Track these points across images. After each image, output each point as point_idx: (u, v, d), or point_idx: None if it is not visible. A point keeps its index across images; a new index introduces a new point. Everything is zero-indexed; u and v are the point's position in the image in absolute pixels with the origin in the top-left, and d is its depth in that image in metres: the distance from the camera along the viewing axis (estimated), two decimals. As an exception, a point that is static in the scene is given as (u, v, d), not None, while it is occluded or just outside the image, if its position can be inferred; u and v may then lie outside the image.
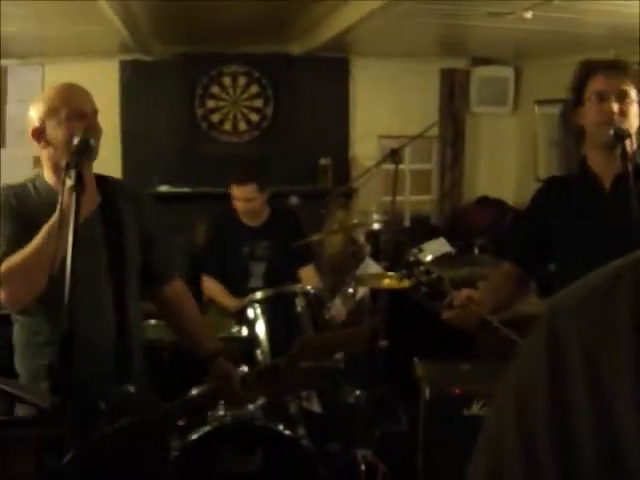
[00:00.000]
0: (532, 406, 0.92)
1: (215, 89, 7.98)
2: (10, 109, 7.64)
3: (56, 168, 2.89)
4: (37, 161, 7.57)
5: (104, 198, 3.04)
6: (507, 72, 8.31)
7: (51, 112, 2.88)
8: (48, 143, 2.90)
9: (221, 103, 8.02)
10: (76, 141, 2.40)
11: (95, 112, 2.95)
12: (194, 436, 3.97)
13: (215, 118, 8.01)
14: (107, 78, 7.71)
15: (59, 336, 2.25)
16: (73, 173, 2.35)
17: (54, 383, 2.22)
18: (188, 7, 5.80)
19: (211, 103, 8.00)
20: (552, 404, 0.88)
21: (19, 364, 3.06)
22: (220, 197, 6.19)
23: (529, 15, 4.88)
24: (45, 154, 2.96)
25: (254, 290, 5.16)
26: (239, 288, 5.48)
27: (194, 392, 3.43)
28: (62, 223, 2.34)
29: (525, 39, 6.62)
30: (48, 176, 3.01)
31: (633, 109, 3.06)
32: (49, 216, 2.72)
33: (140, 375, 3.17)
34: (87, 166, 2.61)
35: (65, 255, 2.31)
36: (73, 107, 2.86)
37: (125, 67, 7.82)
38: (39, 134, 2.92)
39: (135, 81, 7.81)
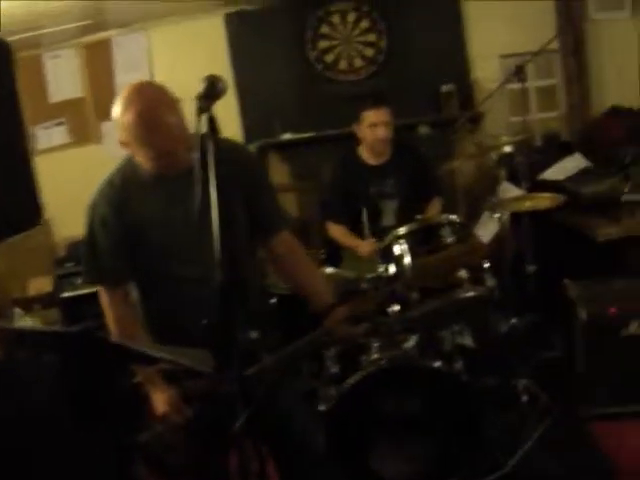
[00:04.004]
0: None
1: (325, 29, 7.83)
2: (119, 79, 7.67)
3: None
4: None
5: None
6: (623, -26, 7.96)
7: (132, 142, 2.94)
8: None
9: (333, 42, 7.86)
10: (202, 86, 2.30)
11: (182, 121, 2.94)
12: (350, 382, 3.92)
13: (329, 58, 7.87)
14: (213, 34, 7.70)
15: (216, 290, 2.25)
16: (205, 119, 2.26)
17: (217, 341, 2.20)
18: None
19: (323, 44, 7.85)
20: None
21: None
22: (345, 138, 6.10)
23: None
24: None
25: (387, 228, 5.07)
26: (371, 227, 5.39)
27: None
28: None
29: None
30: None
31: None
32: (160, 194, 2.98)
33: (263, 320, 3.20)
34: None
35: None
36: (156, 149, 2.90)
37: (231, 19, 7.75)
38: (126, 146, 2.99)
39: (242, 32, 7.74)
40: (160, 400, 3.02)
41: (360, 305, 3.21)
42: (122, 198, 3.10)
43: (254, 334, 2.57)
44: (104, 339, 2.47)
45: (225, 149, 2.87)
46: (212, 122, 2.26)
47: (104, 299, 3.22)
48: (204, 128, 2.26)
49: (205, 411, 2.97)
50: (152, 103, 2.88)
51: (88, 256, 3.21)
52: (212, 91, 2.29)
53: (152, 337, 3.24)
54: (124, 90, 2.94)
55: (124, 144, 2.95)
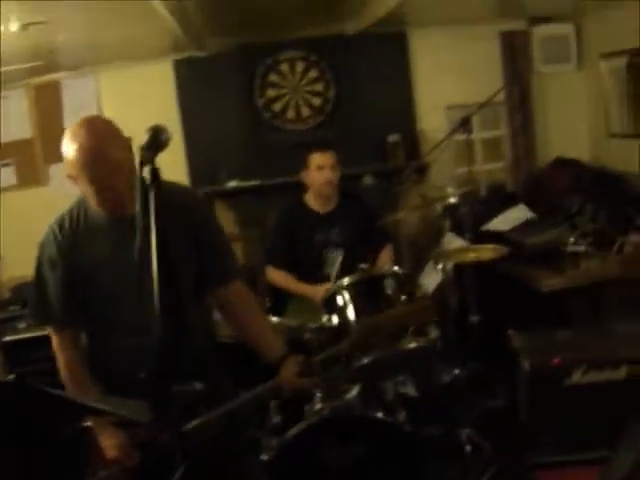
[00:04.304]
0: None
1: (273, 77, 7.89)
2: (68, 121, 7.64)
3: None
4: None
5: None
6: (567, 28, 8.13)
7: (77, 175, 2.91)
8: None
9: (281, 91, 7.93)
10: (147, 136, 2.29)
11: (127, 158, 2.92)
12: (293, 432, 3.91)
13: (277, 107, 7.92)
14: (163, 80, 7.72)
15: (151, 343, 2.22)
16: (148, 170, 2.25)
17: (154, 395, 2.18)
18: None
19: (271, 92, 7.91)
20: None
21: None
22: (291, 187, 6.13)
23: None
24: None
25: (329, 278, 5.08)
26: (313, 276, 5.40)
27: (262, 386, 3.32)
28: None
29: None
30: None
31: None
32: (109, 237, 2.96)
33: (209, 371, 3.13)
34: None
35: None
36: (97, 181, 2.88)
37: (179, 66, 7.77)
38: (74, 181, 2.96)
39: (191, 78, 7.77)
40: (109, 445, 2.99)
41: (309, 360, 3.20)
42: (71, 239, 3.07)
43: (198, 385, 2.54)
44: (37, 389, 2.43)
45: (174, 192, 2.87)
46: (155, 173, 2.25)
47: (54, 341, 3.18)
48: (147, 179, 2.25)
49: (147, 459, 2.93)
50: (97, 135, 2.87)
51: (36, 296, 3.17)
52: (156, 142, 2.29)
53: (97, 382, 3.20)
54: (73, 124, 2.92)
55: (71, 178, 2.93)
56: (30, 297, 3.26)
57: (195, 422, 2.75)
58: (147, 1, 4.82)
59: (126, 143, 2.96)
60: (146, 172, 2.24)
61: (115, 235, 3.00)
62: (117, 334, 3.09)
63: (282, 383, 3.14)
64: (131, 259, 2.70)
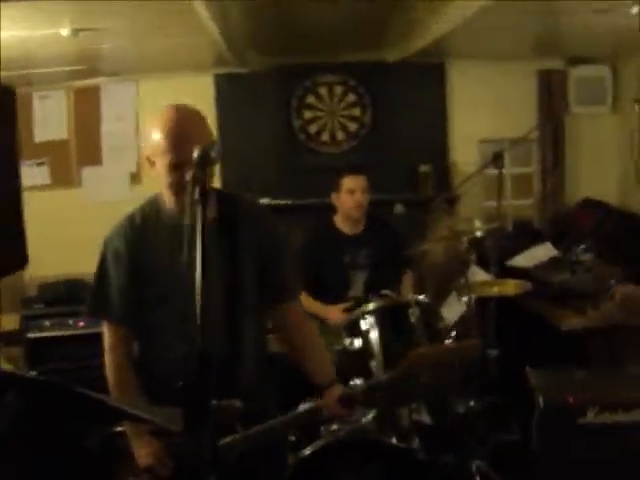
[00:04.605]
0: None
1: (311, 99, 7.99)
2: (105, 126, 7.76)
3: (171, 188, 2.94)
4: (134, 177, 7.74)
5: (221, 212, 3.03)
6: (604, 71, 8.18)
7: (158, 155, 2.90)
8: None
9: (318, 113, 8.03)
10: (196, 154, 2.35)
11: (208, 137, 2.91)
12: (307, 451, 3.94)
13: (313, 129, 8.03)
14: (202, 92, 7.77)
15: (194, 354, 2.21)
16: (197, 188, 2.31)
17: (190, 403, 2.20)
18: (283, 13, 5.81)
19: (308, 114, 8.01)
20: None
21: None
22: (320, 208, 6.17)
23: (635, 10, 4.74)
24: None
25: (355, 299, 5.13)
26: (338, 297, 5.44)
27: (302, 408, 3.33)
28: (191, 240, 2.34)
29: (622, 36, 6.48)
30: (166, 196, 3.04)
31: None
32: (172, 239, 2.86)
33: (255, 391, 3.06)
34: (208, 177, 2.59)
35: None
36: (180, 157, 2.83)
37: (220, 81, 7.86)
38: (151, 164, 2.97)
39: (230, 94, 7.84)
40: (144, 453, 3.00)
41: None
42: (140, 236, 3.07)
43: (237, 403, 2.54)
44: (63, 387, 2.41)
45: (240, 202, 2.90)
46: (203, 191, 2.32)
47: (106, 340, 3.16)
48: (196, 197, 2.31)
49: (179, 471, 2.95)
50: (186, 116, 2.92)
51: (97, 290, 3.13)
52: (205, 162, 2.36)
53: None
54: (162, 108, 2.96)
55: (149, 161, 2.95)
56: (91, 288, 3.19)
57: (229, 439, 2.75)
58: (194, 14, 4.90)
59: (211, 132, 2.99)
60: (196, 191, 2.31)
61: (180, 238, 2.81)
62: (168, 342, 3.06)
63: (323, 408, 3.15)
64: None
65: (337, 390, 3.20)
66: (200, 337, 2.22)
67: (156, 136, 2.88)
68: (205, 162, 2.36)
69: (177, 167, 2.84)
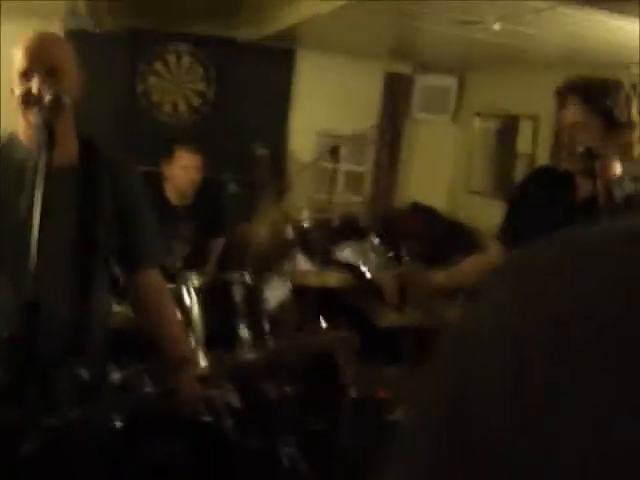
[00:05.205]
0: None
1: (158, 66, 7.86)
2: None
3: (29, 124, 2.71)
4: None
5: (83, 160, 2.88)
6: (450, 81, 8.37)
7: (15, 73, 2.69)
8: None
9: (163, 82, 7.91)
10: (47, 98, 2.26)
11: (68, 67, 2.79)
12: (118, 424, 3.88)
13: (156, 97, 7.90)
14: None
15: (22, 305, 2.09)
16: (45, 130, 2.22)
17: (12, 357, 2.09)
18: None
19: (153, 80, 7.87)
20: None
21: None
22: (151, 177, 6.11)
23: (497, 26, 4.85)
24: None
25: (177, 272, 5.10)
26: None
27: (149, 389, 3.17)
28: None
29: (474, 50, 6.64)
30: (23, 134, 2.81)
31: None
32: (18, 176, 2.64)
33: (98, 360, 2.89)
34: (61, 122, 2.49)
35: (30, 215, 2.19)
36: (29, 64, 2.66)
37: (70, 36, 7.63)
38: (12, 93, 2.75)
39: (78, 52, 7.61)
40: None
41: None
42: None
43: (83, 373, 2.41)
44: None
45: (110, 159, 2.77)
46: (51, 136, 2.24)
47: None
48: (43, 139, 2.22)
49: None
50: (45, 35, 2.80)
51: None
52: (57, 106, 2.28)
53: None
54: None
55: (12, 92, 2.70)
56: None
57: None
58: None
59: (74, 64, 2.88)
60: (43, 133, 2.22)
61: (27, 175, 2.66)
62: None
63: (180, 386, 2.96)
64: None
65: (195, 369, 3.08)
66: (31, 287, 2.12)
67: (16, 56, 2.71)
68: (56, 105, 2.27)
69: (25, 75, 2.65)
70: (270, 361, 4.33)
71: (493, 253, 3.57)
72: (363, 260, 6.46)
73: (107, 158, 2.99)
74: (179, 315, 3.40)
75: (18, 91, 2.66)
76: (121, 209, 2.92)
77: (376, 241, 6.66)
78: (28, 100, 2.61)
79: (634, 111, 3.03)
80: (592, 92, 3.02)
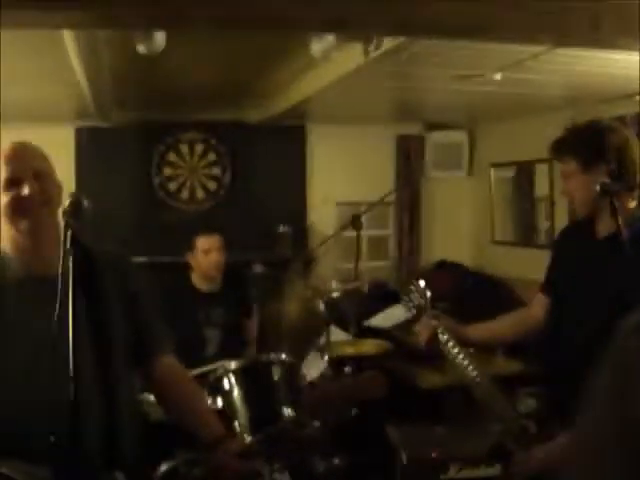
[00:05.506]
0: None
1: (172, 156, 7.95)
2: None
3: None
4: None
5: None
6: (461, 136, 8.40)
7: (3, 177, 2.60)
8: None
9: (178, 171, 7.99)
10: (67, 202, 2.26)
11: (51, 173, 2.71)
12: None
13: (172, 186, 7.98)
14: (62, 145, 7.57)
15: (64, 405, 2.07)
16: (68, 236, 2.21)
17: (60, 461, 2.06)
18: (147, 71, 5.75)
19: (168, 170, 7.97)
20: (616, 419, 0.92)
21: None
22: (177, 267, 6.11)
23: (499, 76, 4.86)
24: None
25: (212, 359, 5.08)
26: (194, 355, 5.38)
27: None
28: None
29: (480, 102, 6.67)
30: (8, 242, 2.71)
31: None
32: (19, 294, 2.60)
33: (133, 459, 2.76)
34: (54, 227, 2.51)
35: None
36: (15, 171, 2.59)
37: (81, 134, 7.73)
38: None
39: (91, 148, 7.72)
40: None
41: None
42: None
43: (119, 476, 2.34)
44: None
45: (105, 259, 2.72)
46: (75, 238, 2.23)
47: None
48: (67, 244, 2.21)
49: None
50: (20, 144, 2.70)
51: None
52: (78, 210, 2.27)
53: None
54: None
55: None
56: None
57: None
58: (69, 69, 4.81)
59: (51, 166, 2.75)
60: (68, 237, 2.20)
61: (31, 296, 2.63)
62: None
63: (221, 465, 2.87)
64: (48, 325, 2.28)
65: (234, 444, 2.99)
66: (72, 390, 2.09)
67: None
68: (77, 209, 2.27)
69: (12, 182, 2.58)
70: (314, 435, 4.30)
71: (536, 306, 3.55)
72: (396, 326, 6.47)
73: (112, 262, 2.89)
74: (207, 397, 3.35)
75: (5, 198, 2.59)
76: (133, 311, 2.90)
77: (422, 283, 6.67)
78: (18, 207, 2.58)
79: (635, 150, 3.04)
80: (584, 152, 3.04)
